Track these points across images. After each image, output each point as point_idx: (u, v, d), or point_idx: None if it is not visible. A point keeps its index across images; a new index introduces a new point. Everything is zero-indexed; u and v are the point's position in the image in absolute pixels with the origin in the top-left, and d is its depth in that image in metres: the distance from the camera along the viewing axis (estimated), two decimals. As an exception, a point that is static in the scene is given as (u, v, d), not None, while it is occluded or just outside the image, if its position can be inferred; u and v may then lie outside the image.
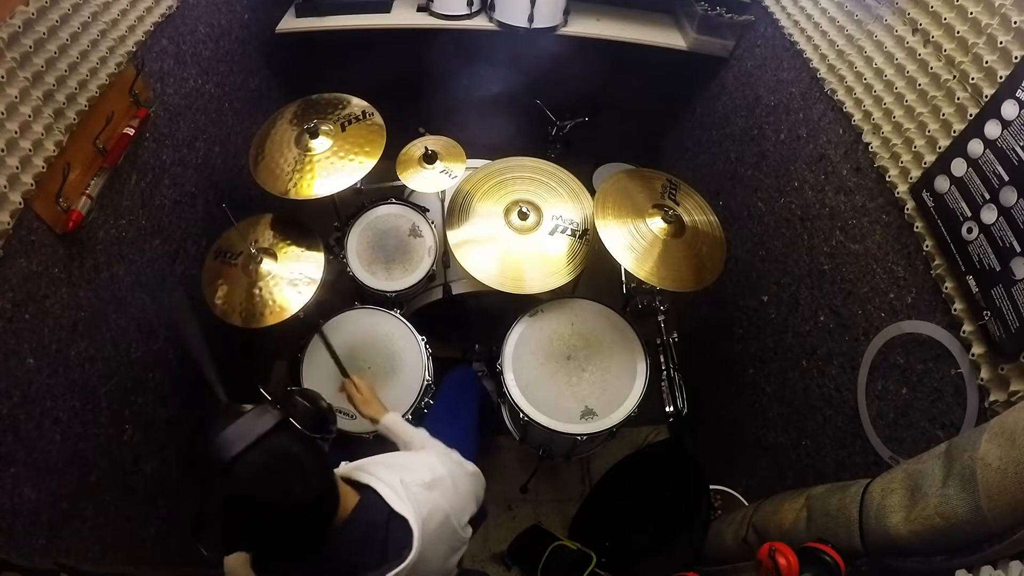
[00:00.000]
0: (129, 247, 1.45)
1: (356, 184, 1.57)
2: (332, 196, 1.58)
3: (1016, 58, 0.99)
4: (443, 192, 1.68)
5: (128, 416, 1.40)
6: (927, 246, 1.15)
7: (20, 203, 1.05)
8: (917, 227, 1.18)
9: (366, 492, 0.88)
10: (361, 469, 0.93)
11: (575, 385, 1.63)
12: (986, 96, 1.05)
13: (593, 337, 1.70)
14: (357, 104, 1.68)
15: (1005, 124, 0.98)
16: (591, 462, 2.17)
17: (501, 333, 1.70)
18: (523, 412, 1.58)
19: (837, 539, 1.02)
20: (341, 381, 1.46)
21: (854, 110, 1.42)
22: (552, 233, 1.65)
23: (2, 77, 1.04)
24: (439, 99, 2.32)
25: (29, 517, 1.07)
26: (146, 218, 1.52)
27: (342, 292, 1.88)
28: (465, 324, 2.15)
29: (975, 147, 1.04)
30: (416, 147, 1.65)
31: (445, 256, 1.83)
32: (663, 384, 1.74)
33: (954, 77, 1.14)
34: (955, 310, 1.07)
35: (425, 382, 1.63)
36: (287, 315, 1.52)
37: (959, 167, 1.08)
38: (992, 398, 0.97)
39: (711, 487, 1.66)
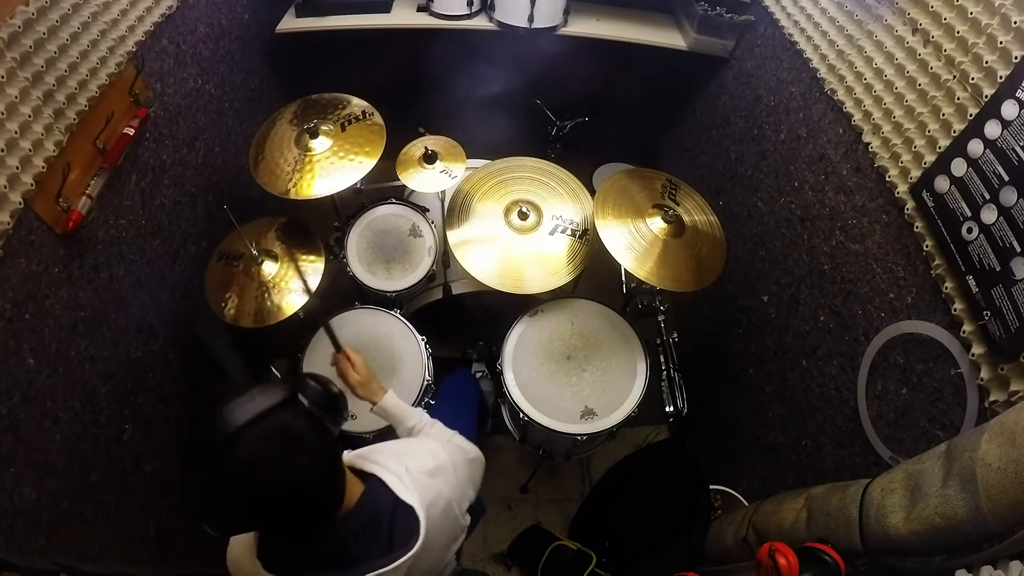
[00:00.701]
0: (129, 247, 1.45)
1: (356, 184, 1.57)
2: (332, 196, 1.57)
3: (1016, 58, 0.99)
4: (443, 192, 1.68)
5: (128, 416, 1.40)
6: (927, 246, 1.15)
7: (20, 203, 1.05)
8: (917, 227, 1.18)
9: (371, 481, 0.88)
10: (364, 457, 0.92)
11: (575, 385, 1.63)
12: (986, 96, 1.05)
13: (593, 337, 1.70)
14: (357, 104, 1.68)
15: (1005, 124, 0.98)
16: (591, 462, 2.17)
17: (501, 333, 1.70)
18: (523, 412, 1.58)
19: (837, 539, 1.02)
20: (332, 356, 1.25)
21: (854, 110, 1.42)
22: (552, 233, 1.65)
23: (2, 77, 1.04)
24: (439, 99, 2.32)
25: (29, 517, 1.07)
26: (146, 218, 1.52)
27: (342, 292, 1.88)
28: (465, 324, 2.15)
29: (975, 147, 1.04)
30: (416, 147, 1.65)
31: (445, 256, 1.83)
32: (663, 384, 1.74)
33: (954, 77, 1.14)
34: (955, 310, 1.07)
35: (425, 382, 1.63)
36: (287, 315, 1.52)
37: (959, 167, 1.08)
38: (992, 398, 0.97)
39: (711, 487, 1.66)
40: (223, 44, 1.92)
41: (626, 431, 1.84)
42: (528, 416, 1.58)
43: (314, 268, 1.62)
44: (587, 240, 1.65)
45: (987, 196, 1.01)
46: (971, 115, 1.08)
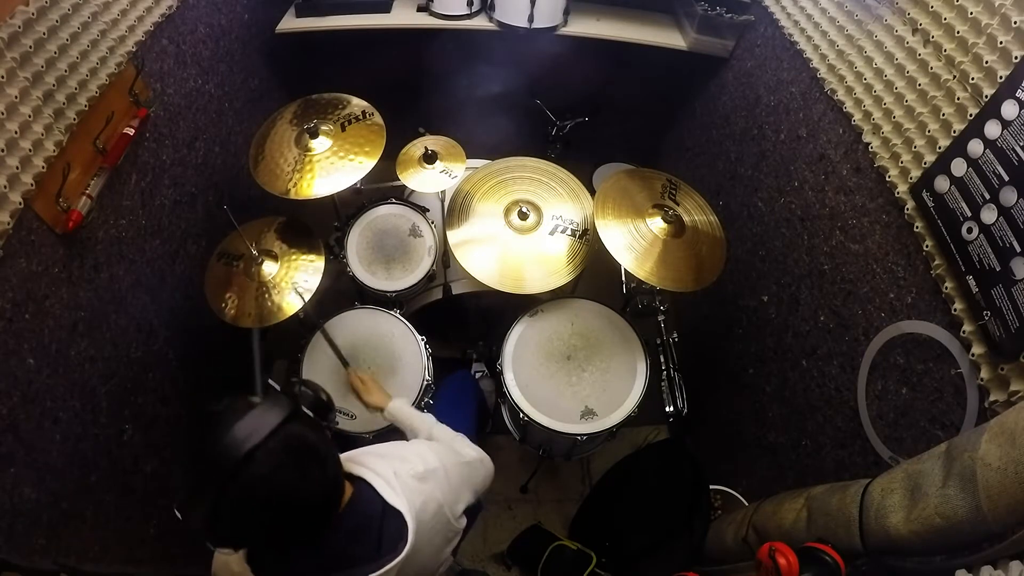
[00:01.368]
0: (129, 247, 1.45)
1: (356, 184, 1.57)
2: (332, 196, 1.57)
3: (1016, 58, 0.99)
4: (443, 192, 1.68)
5: (128, 416, 1.40)
6: (927, 246, 1.15)
7: (20, 203, 1.05)
8: (917, 227, 1.18)
9: (360, 485, 0.87)
10: (353, 460, 0.92)
11: (575, 385, 1.63)
12: (986, 96, 1.05)
13: (593, 337, 1.70)
14: (357, 104, 1.68)
15: (1005, 124, 0.98)
16: (591, 462, 2.17)
17: (501, 333, 1.70)
18: (523, 412, 1.58)
19: (837, 539, 1.02)
20: (347, 374, 1.46)
21: (854, 110, 1.42)
22: (552, 233, 1.65)
23: (2, 77, 1.04)
24: (439, 99, 2.32)
25: (29, 517, 1.07)
26: (146, 218, 1.52)
27: (342, 292, 1.88)
28: (465, 324, 2.15)
29: (975, 147, 1.04)
30: (416, 147, 1.65)
31: (445, 256, 1.83)
32: (663, 384, 1.74)
33: (954, 77, 1.14)
34: (955, 310, 1.07)
35: (425, 382, 1.63)
36: (287, 315, 1.52)
37: (959, 167, 1.08)
38: (992, 398, 0.97)
39: (711, 487, 1.66)
40: (223, 44, 1.92)
41: (626, 431, 1.84)
42: (528, 416, 1.58)
43: (314, 268, 1.61)
44: (587, 240, 1.65)
45: (987, 196, 1.01)
46: (971, 115, 1.08)
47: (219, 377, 1.83)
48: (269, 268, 1.58)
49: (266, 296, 1.55)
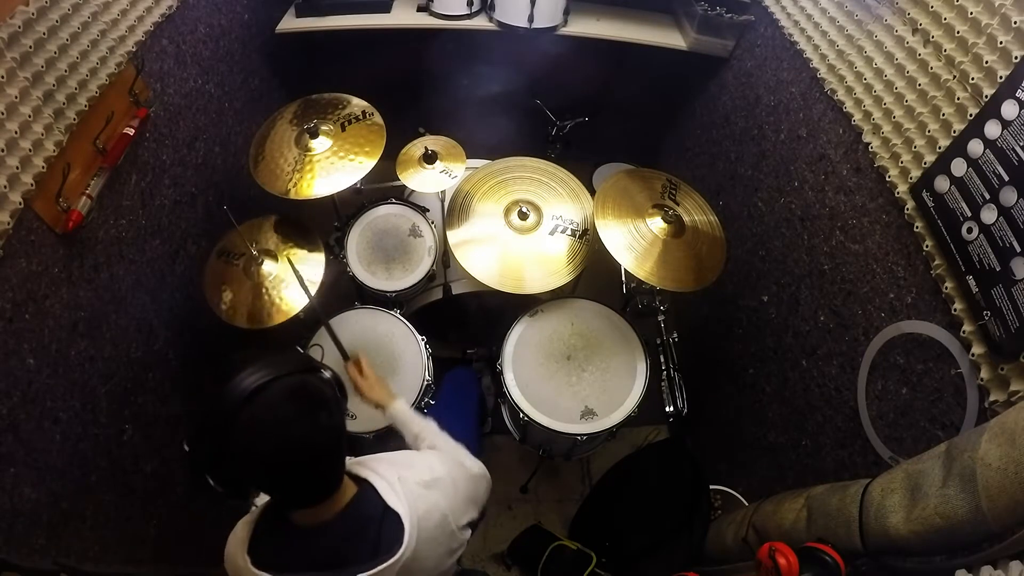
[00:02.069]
0: (129, 247, 1.45)
1: (356, 184, 1.57)
2: (332, 196, 1.57)
3: (1016, 58, 0.99)
4: (443, 192, 1.68)
5: (128, 416, 1.40)
6: (927, 246, 1.15)
7: (20, 203, 1.05)
8: (917, 227, 1.18)
9: (363, 486, 0.88)
10: (361, 463, 0.93)
11: (575, 385, 1.63)
12: (986, 96, 1.05)
13: (593, 337, 1.70)
14: (357, 104, 1.68)
15: (1005, 124, 0.98)
16: (591, 462, 2.17)
17: (501, 333, 1.70)
18: (523, 412, 1.58)
19: (837, 539, 1.02)
20: (345, 367, 1.32)
21: (854, 110, 1.42)
22: (552, 233, 1.65)
23: (2, 77, 1.04)
24: (439, 99, 2.32)
25: (29, 517, 1.07)
26: (146, 218, 1.52)
27: (342, 292, 1.89)
28: (465, 324, 2.15)
29: (975, 147, 1.04)
30: (416, 147, 1.65)
31: (445, 256, 1.83)
32: (663, 384, 1.74)
33: (954, 77, 1.14)
34: (955, 310, 1.07)
35: (425, 382, 1.63)
36: (287, 316, 1.52)
37: (959, 167, 1.08)
38: (992, 398, 0.97)
39: (711, 487, 1.66)
40: (223, 44, 1.92)
41: (626, 431, 1.84)
42: (528, 416, 1.58)
43: (314, 267, 1.61)
44: (587, 240, 1.65)
45: (987, 196, 1.01)
46: (971, 115, 1.08)
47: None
48: (269, 268, 1.58)
49: (265, 295, 1.55)
